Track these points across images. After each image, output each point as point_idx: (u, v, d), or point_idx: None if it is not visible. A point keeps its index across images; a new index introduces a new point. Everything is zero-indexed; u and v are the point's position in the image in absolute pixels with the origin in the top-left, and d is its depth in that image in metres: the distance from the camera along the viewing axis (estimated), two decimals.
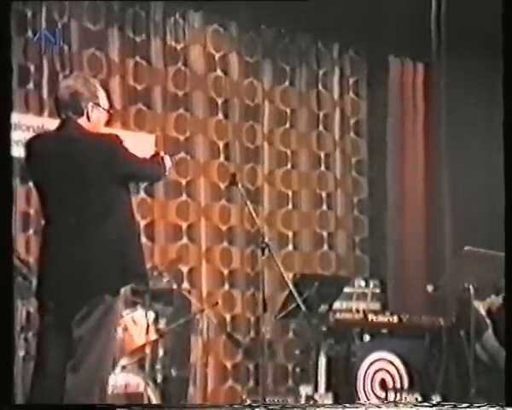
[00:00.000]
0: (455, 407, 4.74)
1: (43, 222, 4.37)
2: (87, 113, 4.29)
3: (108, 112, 4.43)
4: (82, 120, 4.29)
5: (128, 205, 4.33)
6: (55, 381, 4.11)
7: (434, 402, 6.20)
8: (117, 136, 4.30)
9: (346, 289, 7.05)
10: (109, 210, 4.19)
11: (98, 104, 4.33)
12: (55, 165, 4.21)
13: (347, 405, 5.79)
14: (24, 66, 6.96)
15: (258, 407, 5.34)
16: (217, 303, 7.04)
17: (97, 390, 4.10)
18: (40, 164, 4.28)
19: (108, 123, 4.53)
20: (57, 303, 4.19)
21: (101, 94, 4.38)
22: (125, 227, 4.25)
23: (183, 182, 7.70)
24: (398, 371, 6.69)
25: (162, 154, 4.56)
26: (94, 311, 4.10)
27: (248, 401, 6.76)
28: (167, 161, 4.52)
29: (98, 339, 4.11)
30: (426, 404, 5.97)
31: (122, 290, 4.27)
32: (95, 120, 4.32)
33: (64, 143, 4.25)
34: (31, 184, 6.67)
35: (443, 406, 4.80)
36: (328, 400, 6.58)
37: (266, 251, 5.29)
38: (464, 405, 4.79)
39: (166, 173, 4.55)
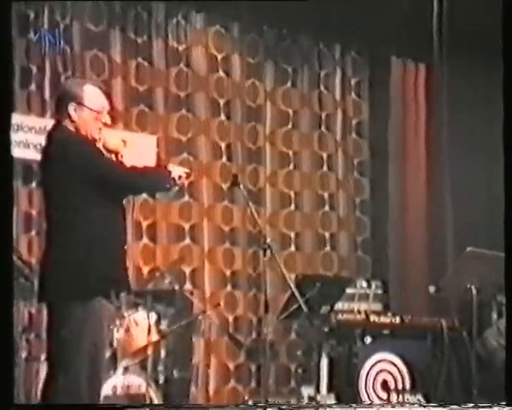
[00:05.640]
0: (462, 407, 4.74)
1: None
2: (69, 114, 4.20)
3: (98, 112, 4.27)
4: (67, 122, 4.23)
5: (113, 211, 4.24)
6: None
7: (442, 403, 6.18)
8: (92, 137, 4.22)
9: (348, 290, 7.06)
10: (86, 214, 4.14)
11: (82, 104, 4.22)
12: (48, 168, 4.22)
13: (354, 405, 5.80)
14: (26, 67, 6.96)
15: (269, 407, 5.34)
16: (219, 304, 7.05)
17: (87, 392, 4.08)
18: (39, 167, 4.30)
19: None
20: (51, 304, 4.19)
21: (90, 94, 4.26)
22: (107, 232, 4.19)
23: (186, 183, 7.67)
24: (400, 372, 6.68)
25: (170, 167, 4.43)
26: (76, 313, 4.08)
27: (250, 402, 6.77)
28: (176, 170, 4.39)
29: (84, 341, 4.09)
30: (433, 404, 5.97)
31: (121, 295, 4.26)
32: (79, 121, 4.22)
33: (53, 145, 4.23)
34: (33, 185, 6.77)
35: (450, 406, 4.80)
36: (331, 401, 6.57)
37: (268, 252, 5.29)
38: (470, 405, 4.79)
39: (168, 185, 4.37)
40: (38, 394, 4.36)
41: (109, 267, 4.17)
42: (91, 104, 4.25)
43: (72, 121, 4.22)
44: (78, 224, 4.14)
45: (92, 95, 4.27)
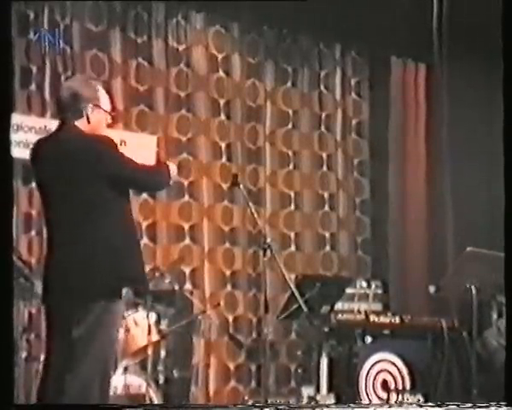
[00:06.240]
0: (460, 407, 4.74)
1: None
2: (86, 115, 4.25)
3: (110, 114, 4.38)
4: (80, 122, 4.26)
5: (124, 208, 4.28)
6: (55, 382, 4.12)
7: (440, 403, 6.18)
8: (108, 138, 4.25)
9: (348, 290, 7.06)
10: (101, 212, 4.15)
11: (98, 106, 4.30)
12: (51, 167, 4.21)
13: (352, 405, 5.80)
14: (26, 67, 6.96)
15: (267, 406, 5.34)
16: (219, 304, 7.05)
17: (97, 392, 4.09)
18: (40, 167, 4.29)
19: (111, 124, 4.50)
20: (57, 305, 4.19)
21: (103, 95, 4.34)
22: (121, 230, 4.21)
23: (186, 183, 7.69)
24: (400, 372, 6.68)
25: (168, 162, 4.51)
26: (90, 313, 4.08)
27: (250, 402, 6.77)
28: (172, 166, 4.47)
29: (96, 341, 4.09)
30: (431, 404, 5.96)
31: (124, 292, 4.24)
32: (95, 121, 4.28)
33: (59, 145, 4.23)
34: (33, 185, 6.76)
35: (448, 406, 4.79)
36: (331, 401, 6.58)
37: (268, 252, 5.28)
38: (469, 405, 4.78)
39: (171, 181, 4.46)
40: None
41: (123, 266, 4.17)
42: (105, 106, 4.34)
43: (89, 122, 4.26)
44: (86, 223, 4.15)
45: (104, 96, 4.35)
